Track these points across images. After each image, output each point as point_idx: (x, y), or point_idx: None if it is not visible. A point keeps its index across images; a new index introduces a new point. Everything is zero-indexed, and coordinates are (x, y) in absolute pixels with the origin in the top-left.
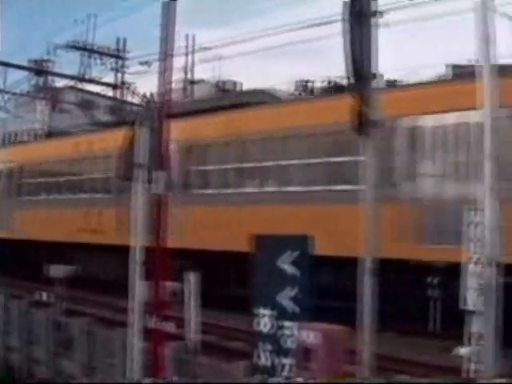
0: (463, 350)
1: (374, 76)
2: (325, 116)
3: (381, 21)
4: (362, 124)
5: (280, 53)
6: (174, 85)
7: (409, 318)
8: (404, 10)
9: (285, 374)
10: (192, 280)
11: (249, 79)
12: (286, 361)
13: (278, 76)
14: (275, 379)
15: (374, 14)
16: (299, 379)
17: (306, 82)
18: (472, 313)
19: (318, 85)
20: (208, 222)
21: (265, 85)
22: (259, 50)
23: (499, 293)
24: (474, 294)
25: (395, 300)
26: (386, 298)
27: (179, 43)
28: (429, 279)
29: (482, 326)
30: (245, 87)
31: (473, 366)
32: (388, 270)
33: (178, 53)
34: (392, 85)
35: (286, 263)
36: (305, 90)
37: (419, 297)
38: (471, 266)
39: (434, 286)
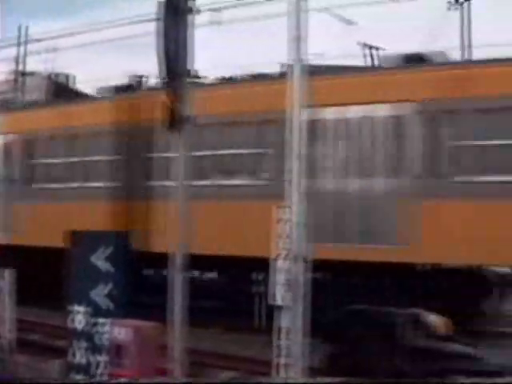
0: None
1: (189, 73)
2: None
3: (214, 18)
4: (174, 120)
5: (119, 46)
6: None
7: (236, 314)
8: (240, 9)
9: (99, 371)
10: (7, 277)
11: (84, 73)
12: (101, 358)
13: (115, 70)
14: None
15: (191, 11)
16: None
17: (140, 77)
18: (281, 308)
19: (152, 80)
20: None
21: (99, 78)
22: (94, 43)
23: (307, 288)
24: (282, 289)
25: (222, 296)
26: (213, 295)
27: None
28: (253, 276)
29: (290, 320)
30: (78, 80)
31: (283, 360)
32: (215, 266)
33: (9, 44)
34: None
35: (100, 259)
36: (140, 86)
37: (245, 293)
38: (279, 262)
39: (259, 283)
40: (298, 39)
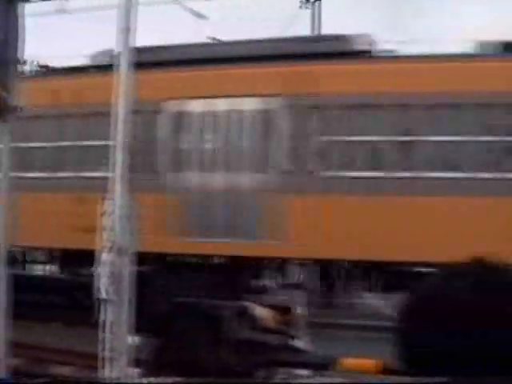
0: (132, 339)
1: (18, 61)
2: None
3: (60, 7)
4: (0, 110)
5: None
6: None
7: (79, 309)
8: None
9: None
10: None
11: None
12: None
13: None
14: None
15: None
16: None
17: None
18: (106, 301)
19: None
20: None
21: None
22: None
23: (132, 281)
24: (106, 282)
25: (65, 291)
26: (56, 290)
27: None
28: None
29: (114, 314)
30: None
31: (107, 354)
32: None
33: None
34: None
35: None
36: None
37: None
38: (104, 255)
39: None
40: (126, 31)
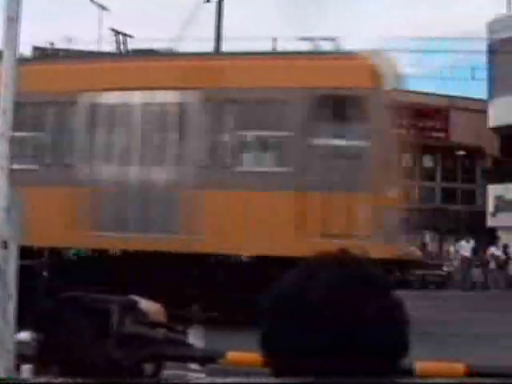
0: (23, 335)
1: None
2: None
3: None
4: None
5: None
6: None
7: None
8: None
9: None
10: None
11: None
12: None
13: None
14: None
15: None
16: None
17: None
18: None
19: None
20: None
21: None
22: None
23: (15, 275)
24: None
25: None
26: None
27: None
28: None
29: None
30: None
31: None
32: None
33: None
34: None
35: None
36: None
37: None
38: None
39: None
40: (12, 20)
